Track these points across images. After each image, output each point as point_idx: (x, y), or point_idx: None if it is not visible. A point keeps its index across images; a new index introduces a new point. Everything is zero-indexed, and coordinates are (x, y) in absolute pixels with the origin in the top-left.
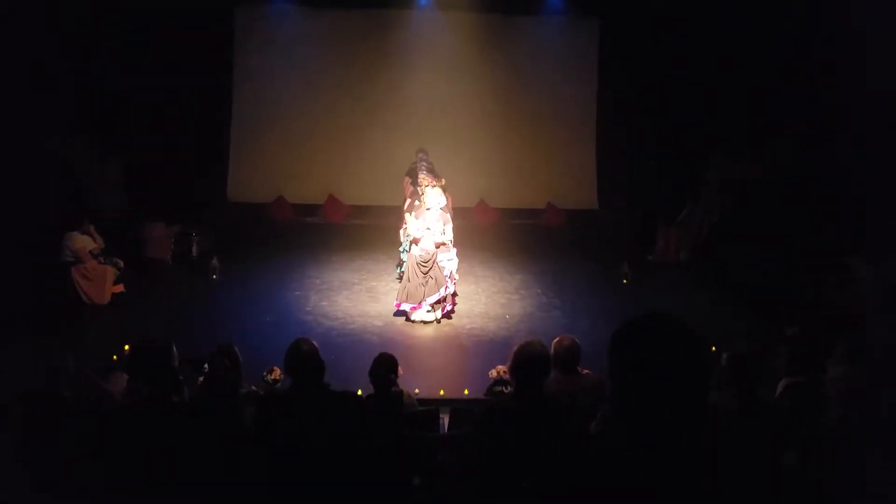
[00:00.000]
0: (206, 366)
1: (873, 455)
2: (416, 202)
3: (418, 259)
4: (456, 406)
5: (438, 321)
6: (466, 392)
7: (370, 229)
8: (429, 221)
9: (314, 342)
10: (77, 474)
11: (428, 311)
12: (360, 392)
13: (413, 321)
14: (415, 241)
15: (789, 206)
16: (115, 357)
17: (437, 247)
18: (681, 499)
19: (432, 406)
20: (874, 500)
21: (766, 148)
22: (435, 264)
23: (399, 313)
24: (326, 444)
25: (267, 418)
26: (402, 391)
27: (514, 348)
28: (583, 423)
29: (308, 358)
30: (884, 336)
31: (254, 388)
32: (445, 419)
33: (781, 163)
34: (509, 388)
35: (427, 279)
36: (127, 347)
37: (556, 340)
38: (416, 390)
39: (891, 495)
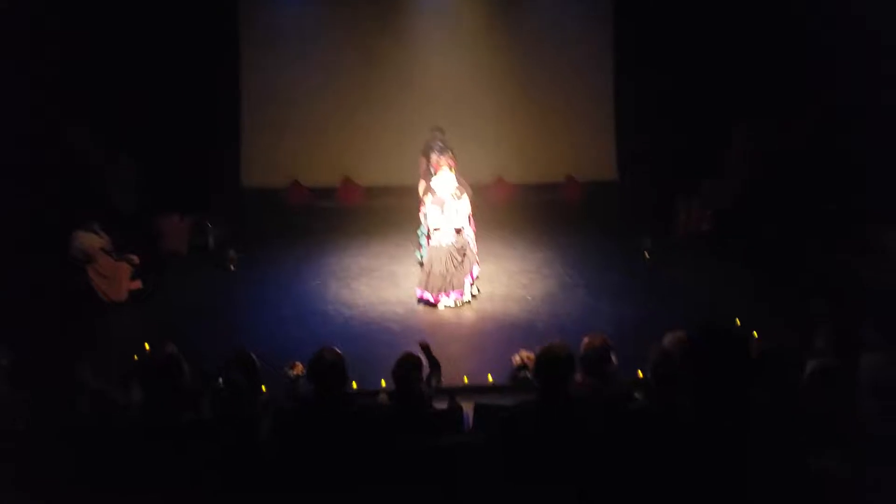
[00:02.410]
0: (220, 380)
1: None
2: (430, 184)
3: (454, 247)
4: (480, 402)
5: (474, 296)
6: (491, 378)
7: (387, 211)
8: (451, 208)
9: (338, 350)
10: (87, 490)
11: (467, 290)
12: (383, 383)
13: (444, 307)
14: (437, 229)
15: (816, 177)
16: (136, 357)
17: (459, 232)
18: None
19: (455, 394)
20: None
21: (792, 118)
22: (468, 246)
23: (423, 301)
24: (347, 458)
25: (288, 432)
26: (424, 389)
27: (537, 351)
28: (609, 426)
29: (332, 368)
30: None
31: (273, 393)
32: (469, 409)
33: (808, 133)
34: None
35: (463, 262)
36: (147, 347)
37: (585, 340)
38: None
39: None
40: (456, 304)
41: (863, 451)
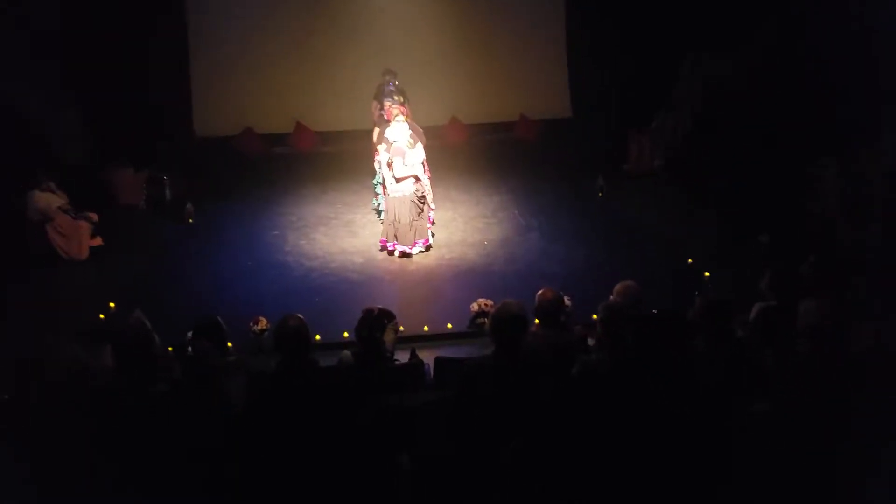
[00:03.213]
0: (189, 349)
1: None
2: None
3: (415, 196)
4: (440, 356)
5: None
6: (450, 326)
7: (341, 156)
8: (410, 158)
9: (300, 316)
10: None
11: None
12: (346, 335)
13: (411, 255)
14: (399, 179)
15: (763, 108)
16: (101, 316)
17: (416, 180)
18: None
19: (416, 344)
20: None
21: (738, 49)
22: (425, 196)
23: (395, 252)
24: (314, 426)
25: (256, 400)
26: (383, 342)
27: (493, 309)
28: (562, 377)
29: (295, 335)
30: (852, 238)
31: (241, 356)
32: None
33: (754, 64)
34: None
35: (423, 209)
36: (112, 305)
37: (539, 293)
38: (401, 327)
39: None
40: (422, 251)
41: (796, 395)
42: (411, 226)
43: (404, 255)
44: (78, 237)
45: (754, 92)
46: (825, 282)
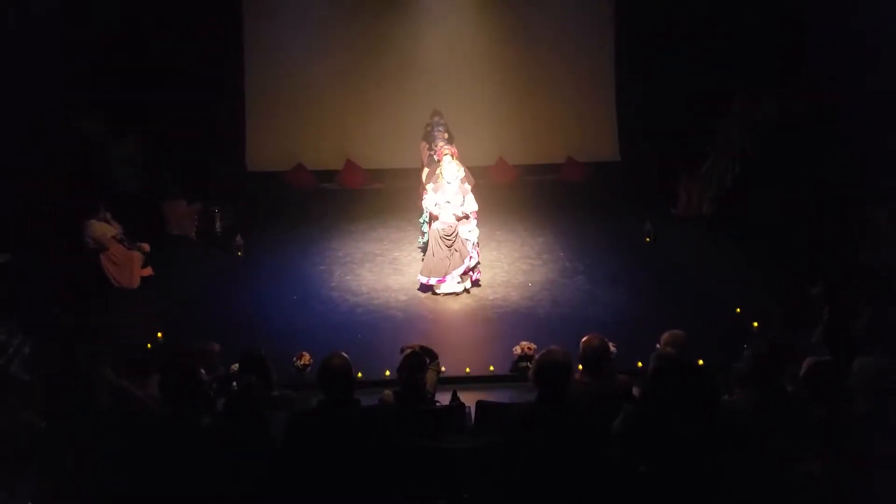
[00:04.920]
0: (234, 383)
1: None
2: (437, 171)
3: (441, 233)
4: (481, 400)
5: (468, 290)
6: (492, 368)
7: (389, 194)
8: (448, 195)
9: (345, 354)
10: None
11: (458, 283)
12: (387, 373)
13: (438, 294)
14: (434, 217)
15: (812, 151)
16: (149, 346)
17: (458, 220)
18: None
19: (458, 386)
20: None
21: (787, 91)
22: (458, 237)
23: (424, 288)
24: (354, 463)
25: (297, 437)
26: (425, 384)
27: (536, 358)
28: (605, 427)
29: (338, 374)
30: None
31: (284, 392)
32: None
33: (803, 106)
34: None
35: (452, 252)
36: (160, 335)
37: (584, 340)
38: (443, 368)
39: None
40: (461, 284)
41: (850, 454)
42: (443, 261)
43: (427, 286)
44: (130, 266)
45: (806, 134)
46: (882, 337)
